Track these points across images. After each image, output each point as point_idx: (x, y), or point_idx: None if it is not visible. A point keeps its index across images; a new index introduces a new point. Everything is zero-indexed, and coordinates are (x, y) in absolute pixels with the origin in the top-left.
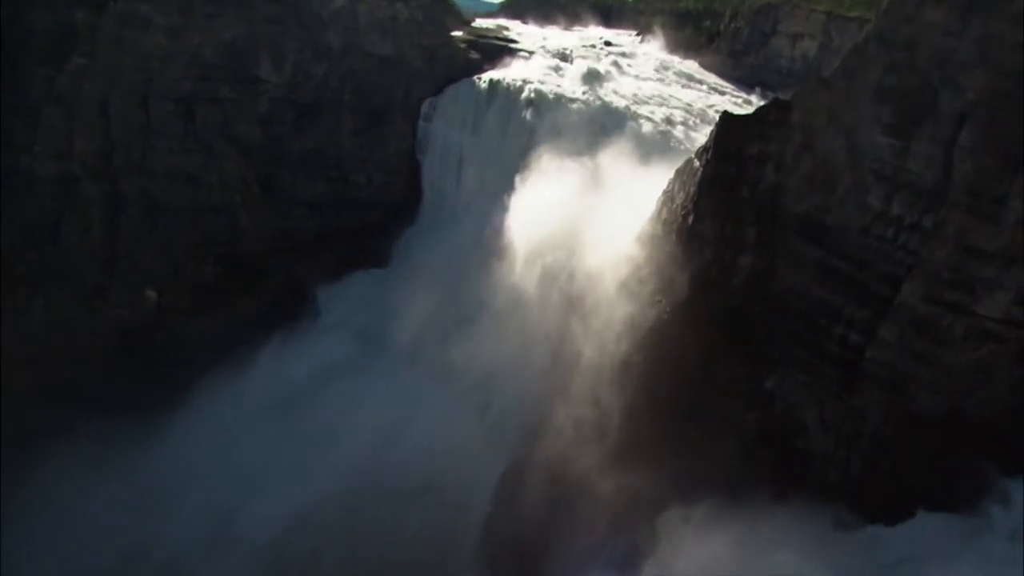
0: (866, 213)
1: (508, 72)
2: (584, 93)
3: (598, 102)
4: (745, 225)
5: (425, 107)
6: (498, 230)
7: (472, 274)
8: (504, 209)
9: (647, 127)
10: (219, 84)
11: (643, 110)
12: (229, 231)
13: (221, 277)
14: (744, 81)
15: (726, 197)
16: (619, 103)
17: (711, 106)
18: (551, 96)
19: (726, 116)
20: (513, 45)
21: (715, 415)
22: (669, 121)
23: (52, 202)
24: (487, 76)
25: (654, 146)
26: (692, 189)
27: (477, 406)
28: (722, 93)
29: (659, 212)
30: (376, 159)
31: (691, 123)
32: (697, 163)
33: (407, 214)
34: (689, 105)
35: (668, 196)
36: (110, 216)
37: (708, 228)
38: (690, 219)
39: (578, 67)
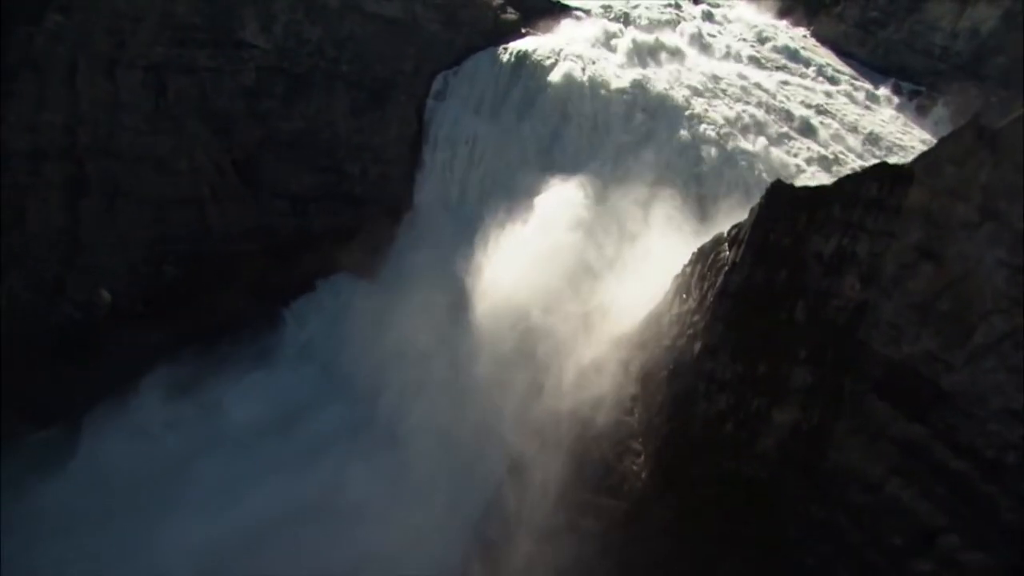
0: None
1: (544, 41)
2: (633, 76)
3: (649, 91)
4: (793, 363)
5: (437, 83)
6: (491, 259)
7: (451, 310)
8: (508, 229)
9: (707, 135)
10: (196, 50)
11: (709, 107)
12: (195, 227)
13: (180, 280)
14: (874, 64)
15: (765, 319)
16: (677, 95)
17: (812, 104)
18: (585, 80)
19: (779, 188)
20: (566, 1)
21: None
22: (741, 125)
23: (25, 179)
24: (515, 46)
25: (713, 165)
26: (711, 295)
27: (423, 492)
28: (834, 81)
29: (670, 303)
30: (374, 146)
31: (775, 130)
32: (726, 252)
33: (405, 215)
34: (779, 101)
35: (683, 285)
36: (71, 202)
37: (727, 366)
38: (698, 345)
39: (638, 36)
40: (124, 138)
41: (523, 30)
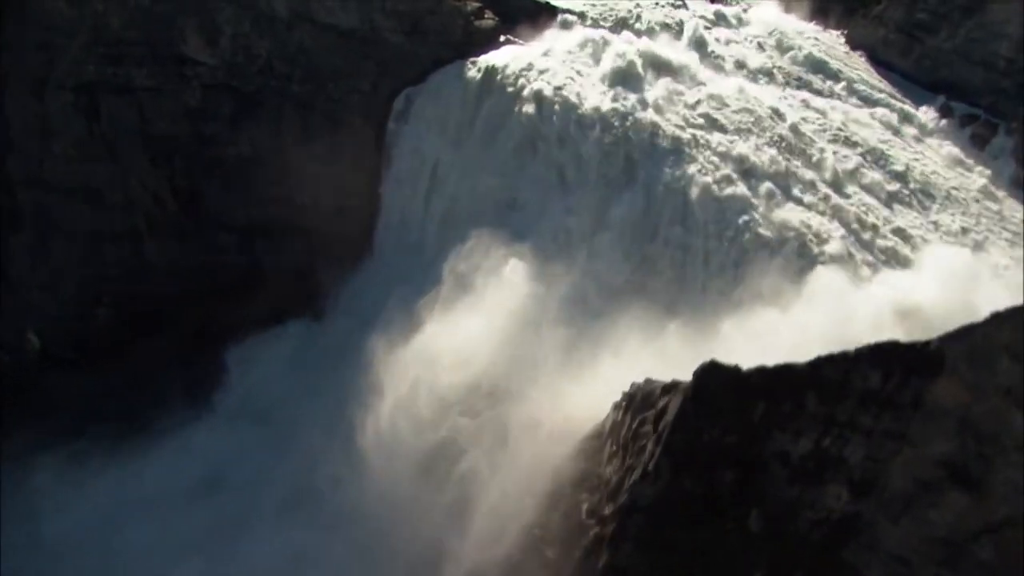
0: None
1: (519, 54)
2: (614, 100)
3: (630, 120)
4: None
5: (400, 102)
6: (417, 337)
7: (388, 376)
8: (446, 298)
9: (699, 181)
10: (132, 68)
11: (706, 140)
12: (131, 265)
13: (115, 324)
14: (919, 79)
15: (700, 532)
16: (667, 125)
17: (836, 134)
18: (557, 104)
19: (715, 373)
20: (556, 2)
21: None
22: (743, 166)
23: None
24: (484, 60)
25: (702, 223)
26: (629, 483)
27: None
28: (868, 102)
29: (601, 444)
30: (328, 174)
31: (784, 173)
32: (650, 427)
33: (364, 252)
34: (794, 130)
35: (613, 430)
36: (2, 236)
37: None
38: (603, 559)
39: (627, 47)
40: (55, 167)
41: (502, 38)
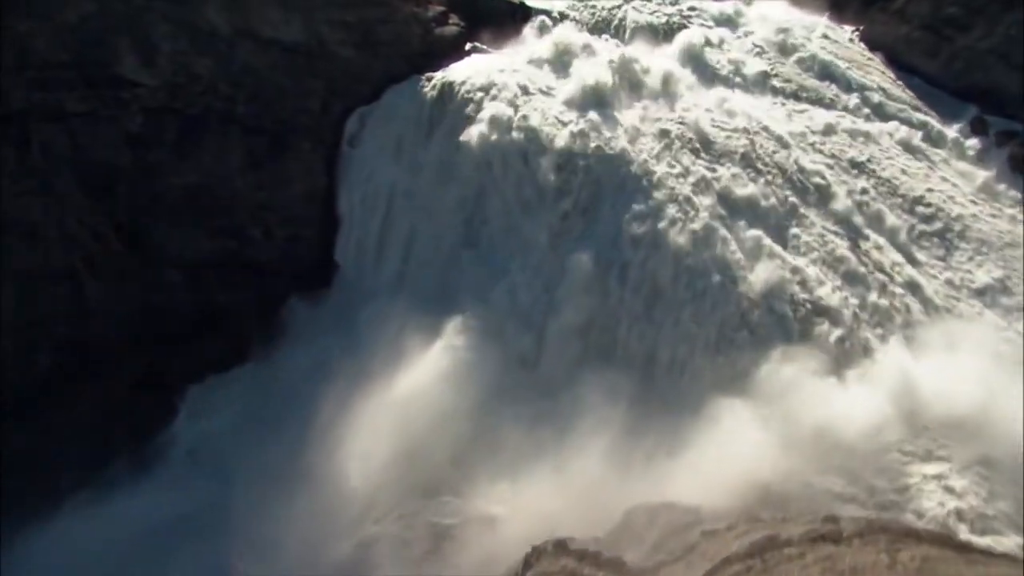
0: None
1: (481, 66)
2: (579, 124)
3: (593, 147)
4: None
5: (352, 123)
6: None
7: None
8: (381, 371)
9: (671, 221)
10: (63, 92)
11: (682, 170)
12: (71, 307)
13: (56, 371)
14: (947, 84)
15: None
16: (636, 152)
17: (842, 158)
18: (515, 129)
19: None
20: (532, 2)
21: None
22: (725, 202)
23: None
24: (441, 76)
25: (671, 277)
26: None
27: None
28: (884, 115)
29: None
30: (277, 204)
31: (777, 211)
32: None
33: (320, 288)
34: (790, 154)
35: None
36: None
37: None
38: None
39: (600, 56)
40: None
41: (468, 46)
